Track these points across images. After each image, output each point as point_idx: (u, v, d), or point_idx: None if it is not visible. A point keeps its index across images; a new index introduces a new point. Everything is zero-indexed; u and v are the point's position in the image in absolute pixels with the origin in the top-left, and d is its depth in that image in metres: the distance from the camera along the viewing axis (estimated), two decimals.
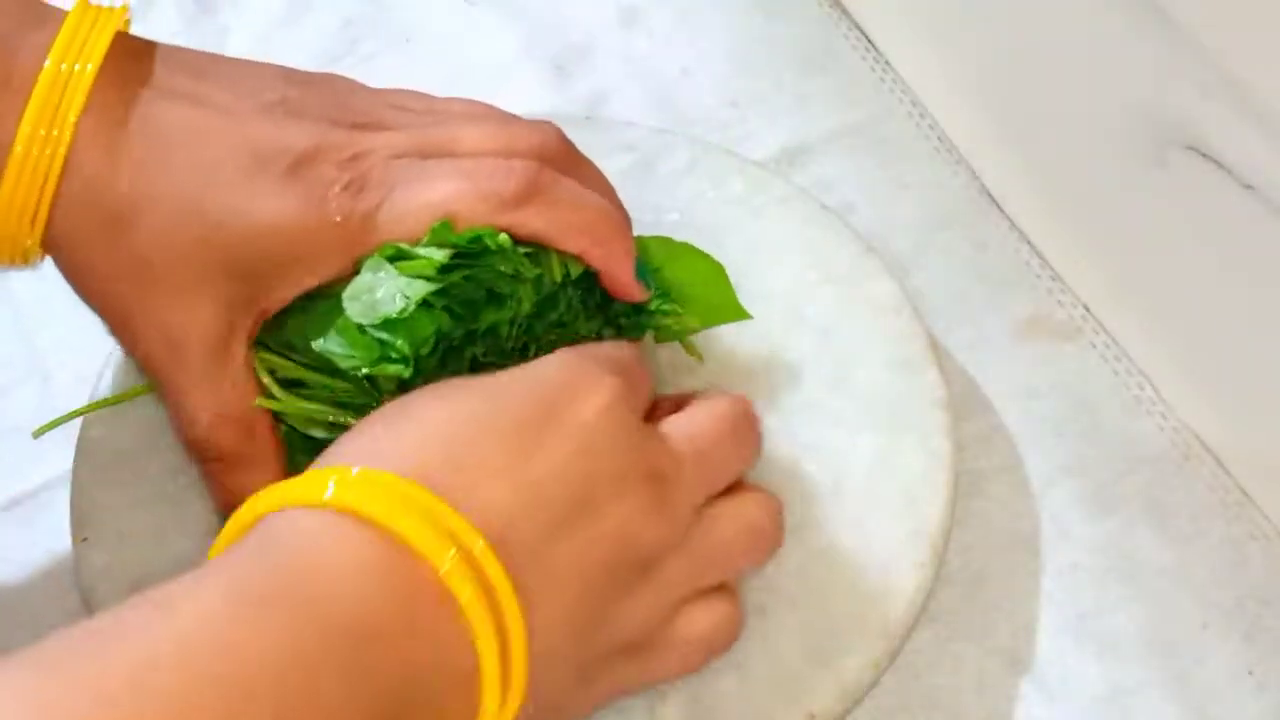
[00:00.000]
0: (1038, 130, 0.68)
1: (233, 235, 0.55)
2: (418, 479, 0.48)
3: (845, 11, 0.78)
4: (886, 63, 0.76)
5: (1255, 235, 0.58)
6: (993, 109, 0.71)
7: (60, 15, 0.55)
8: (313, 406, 0.57)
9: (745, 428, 0.57)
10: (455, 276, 0.55)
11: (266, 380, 0.57)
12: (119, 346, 0.61)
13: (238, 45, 0.78)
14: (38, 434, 0.65)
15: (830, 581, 0.58)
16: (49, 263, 0.57)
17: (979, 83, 0.71)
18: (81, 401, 0.64)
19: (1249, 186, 0.57)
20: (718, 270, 0.62)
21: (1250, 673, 0.59)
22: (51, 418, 0.65)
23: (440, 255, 0.55)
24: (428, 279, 0.55)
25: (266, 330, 0.57)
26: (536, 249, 0.57)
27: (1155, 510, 0.63)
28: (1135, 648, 0.60)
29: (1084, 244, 0.68)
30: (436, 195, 0.56)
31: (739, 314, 0.63)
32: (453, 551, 0.47)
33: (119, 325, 0.57)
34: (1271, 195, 0.56)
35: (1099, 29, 0.62)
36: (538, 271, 0.57)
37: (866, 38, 0.77)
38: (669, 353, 0.63)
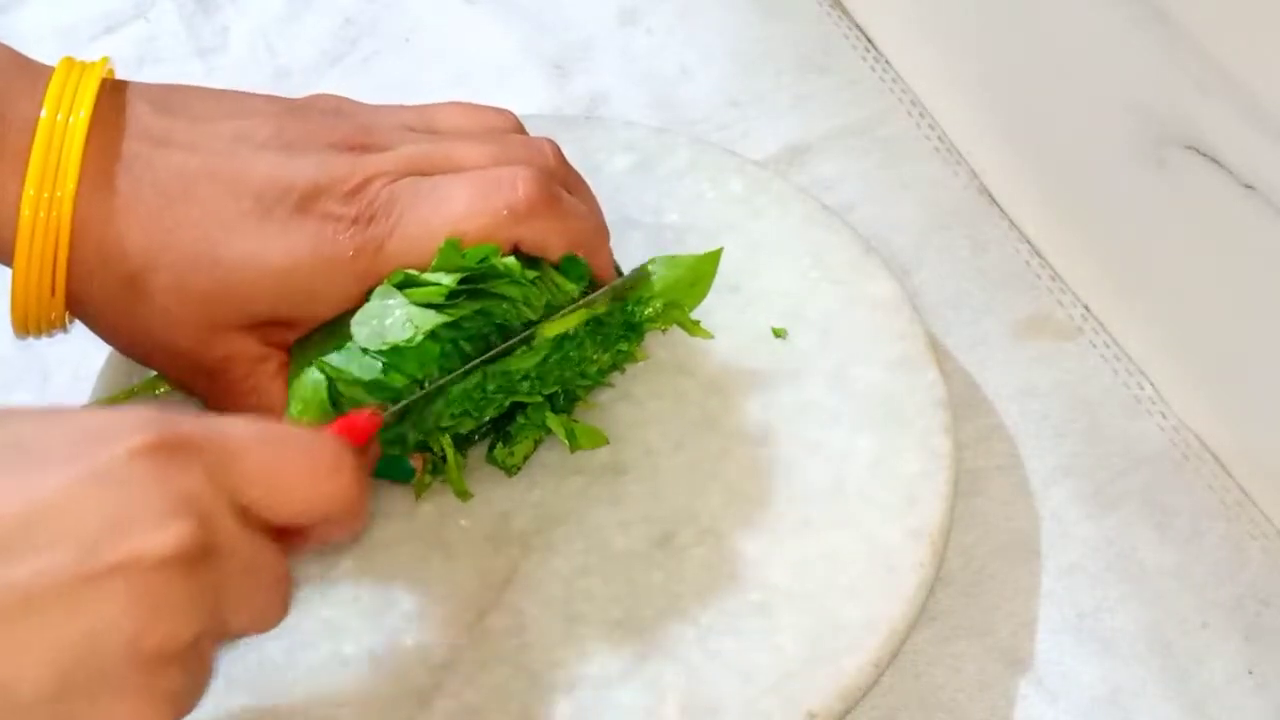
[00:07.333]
0: (1038, 130, 0.68)
1: (247, 281, 0.55)
2: None
3: (845, 11, 0.78)
4: (886, 63, 0.76)
5: (1255, 235, 0.58)
6: (993, 109, 0.71)
7: (48, 72, 0.56)
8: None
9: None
10: (464, 305, 0.55)
11: None
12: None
13: (238, 45, 0.78)
14: None
15: (830, 581, 0.58)
16: None
17: (979, 83, 0.71)
18: (80, 401, 0.64)
19: (1249, 186, 0.57)
20: (672, 259, 0.61)
21: (1250, 672, 0.59)
22: None
23: (448, 280, 0.55)
24: (437, 308, 0.55)
25: None
26: (541, 272, 0.57)
27: (1155, 510, 0.63)
28: (1135, 647, 0.60)
29: (1084, 244, 0.68)
30: (446, 217, 0.56)
31: (710, 262, 0.61)
32: None
33: (165, 370, 0.60)
34: (1271, 195, 0.56)
35: (1099, 29, 0.62)
36: (545, 298, 0.57)
37: (866, 38, 0.77)
38: (669, 353, 0.63)
